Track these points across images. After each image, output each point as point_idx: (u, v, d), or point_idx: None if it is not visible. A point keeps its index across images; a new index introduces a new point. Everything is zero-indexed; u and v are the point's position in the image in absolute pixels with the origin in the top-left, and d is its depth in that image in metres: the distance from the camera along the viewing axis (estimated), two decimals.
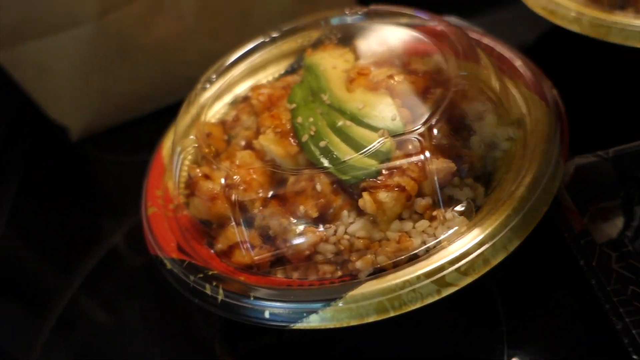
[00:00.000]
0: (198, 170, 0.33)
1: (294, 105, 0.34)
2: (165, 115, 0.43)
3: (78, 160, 0.53)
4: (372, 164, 0.29)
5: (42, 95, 0.48)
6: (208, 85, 0.39)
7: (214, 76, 0.39)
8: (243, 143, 0.35)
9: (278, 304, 0.26)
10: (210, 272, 0.29)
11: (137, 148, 0.49)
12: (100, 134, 0.52)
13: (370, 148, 0.29)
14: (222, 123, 0.38)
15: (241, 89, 0.41)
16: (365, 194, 0.28)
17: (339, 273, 0.28)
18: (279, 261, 0.30)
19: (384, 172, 0.28)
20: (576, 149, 0.34)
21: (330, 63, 0.36)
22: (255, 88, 0.38)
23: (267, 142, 0.32)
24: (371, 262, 0.27)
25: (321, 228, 0.28)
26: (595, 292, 0.27)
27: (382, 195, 0.27)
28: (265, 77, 0.41)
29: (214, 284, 0.28)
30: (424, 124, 0.29)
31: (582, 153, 0.33)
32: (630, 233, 0.31)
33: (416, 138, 0.28)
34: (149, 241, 0.33)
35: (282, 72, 0.41)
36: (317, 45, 0.40)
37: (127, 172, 0.50)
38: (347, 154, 0.29)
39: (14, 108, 0.57)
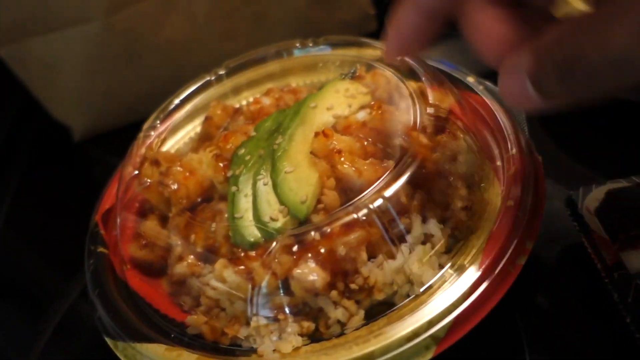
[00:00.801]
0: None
1: (253, 134, 0.32)
2: None
3: (80, 160, 0.52)
4: (252, 238, 0.28)
5: (46, 94, 0.47)
6: (152, 133, 0.36)
7: (158, 122, 0.37)
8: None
9: None
10: None
11: None
12: (104, 135, 0.51)
13: (263, 221, 0.28)
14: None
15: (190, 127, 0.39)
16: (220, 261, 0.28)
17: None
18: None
19: (253, 253, 0.27)
20: (608, 173, 0.32)
21: (332, 101, 0.32)
22: (269, 91, 0.36)
23: (202, 161, 0.32)
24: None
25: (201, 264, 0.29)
26: (630, 330, 0.25)
27: (228, 273, 0.27)
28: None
29: None
30: (317, 228, 0.26)
31: (614, 177, 0.31)
32: None
33: (302, 237, 0.26)
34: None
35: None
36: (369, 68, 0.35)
37: None
38: (243, 213, 0.28)
39: (17, 106, 0.55)
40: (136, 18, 0.43)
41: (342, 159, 0.28)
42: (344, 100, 0.32)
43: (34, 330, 0.38)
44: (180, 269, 0.30)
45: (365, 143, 0.30)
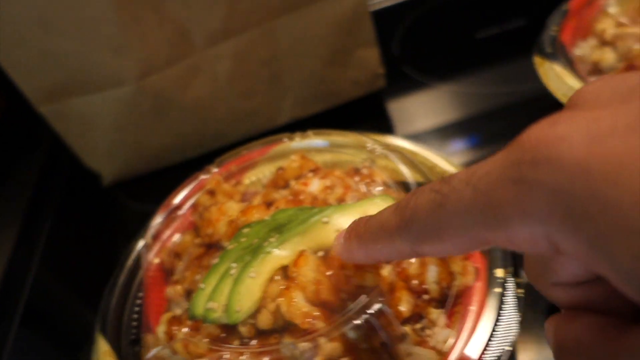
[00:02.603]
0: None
1: (266, 218, 0.32)
2: (192, 165, 0.45)
3: (108, 205, 0.56)
4: (195, 312, 0.29)
5: (80, 146, 0.51)
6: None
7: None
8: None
9: None
10: None
11: (163, 196, 0.52)
12: (131, 181, 0.55)
13: (206, 305, 0.29)
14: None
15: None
16: None
17: None
18: None
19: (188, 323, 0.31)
20: None
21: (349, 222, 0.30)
22: (328, 174, 0.36)
23: (219, 219, 0.35)
24: None
25: None
26: None
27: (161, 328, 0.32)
28: None
29: None
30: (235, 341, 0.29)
31: None
32: None
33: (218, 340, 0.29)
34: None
35: None
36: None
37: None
38: (206, 286, 0.30)
39: (45, 154, 0.60)
40: (164, 81, 0.47)
41: (286, 292, 0.28)
42: None
43: None
44: (169, 290, 0.34)
45: (322, 288, 0.28)
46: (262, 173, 0.42)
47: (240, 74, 0.49)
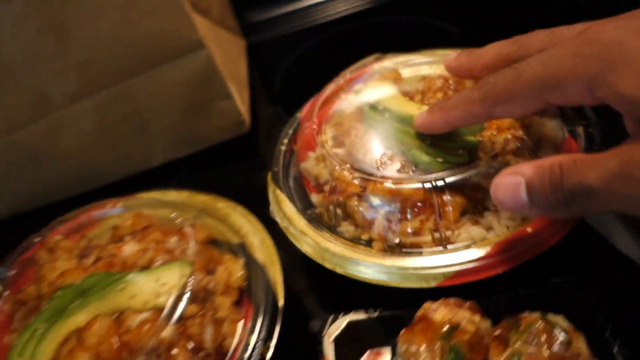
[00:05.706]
0: None
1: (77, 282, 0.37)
2: (78, 201, 0.50)
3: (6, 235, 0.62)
4: None
5: None
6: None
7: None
8: None
9: None
10: None
11: None
12: (25, 214, 0.61)
13: None
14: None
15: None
16: None
17: None
18: None
19: None
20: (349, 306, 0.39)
21: (145, 288, 0.36)
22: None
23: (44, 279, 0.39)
24: None
25: None
26: None
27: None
28: None
29: None
30: None
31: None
32: None
33: None
34: None
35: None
36: None
37: None
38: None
39: None
40: (32, 135, 0.52)
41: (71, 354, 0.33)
42: (150, 292, 0.36)
43: None
44: (8, 338, 0.38)
45: (107, 349, 0.34)
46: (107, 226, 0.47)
47: (105, 126, 0.54)
